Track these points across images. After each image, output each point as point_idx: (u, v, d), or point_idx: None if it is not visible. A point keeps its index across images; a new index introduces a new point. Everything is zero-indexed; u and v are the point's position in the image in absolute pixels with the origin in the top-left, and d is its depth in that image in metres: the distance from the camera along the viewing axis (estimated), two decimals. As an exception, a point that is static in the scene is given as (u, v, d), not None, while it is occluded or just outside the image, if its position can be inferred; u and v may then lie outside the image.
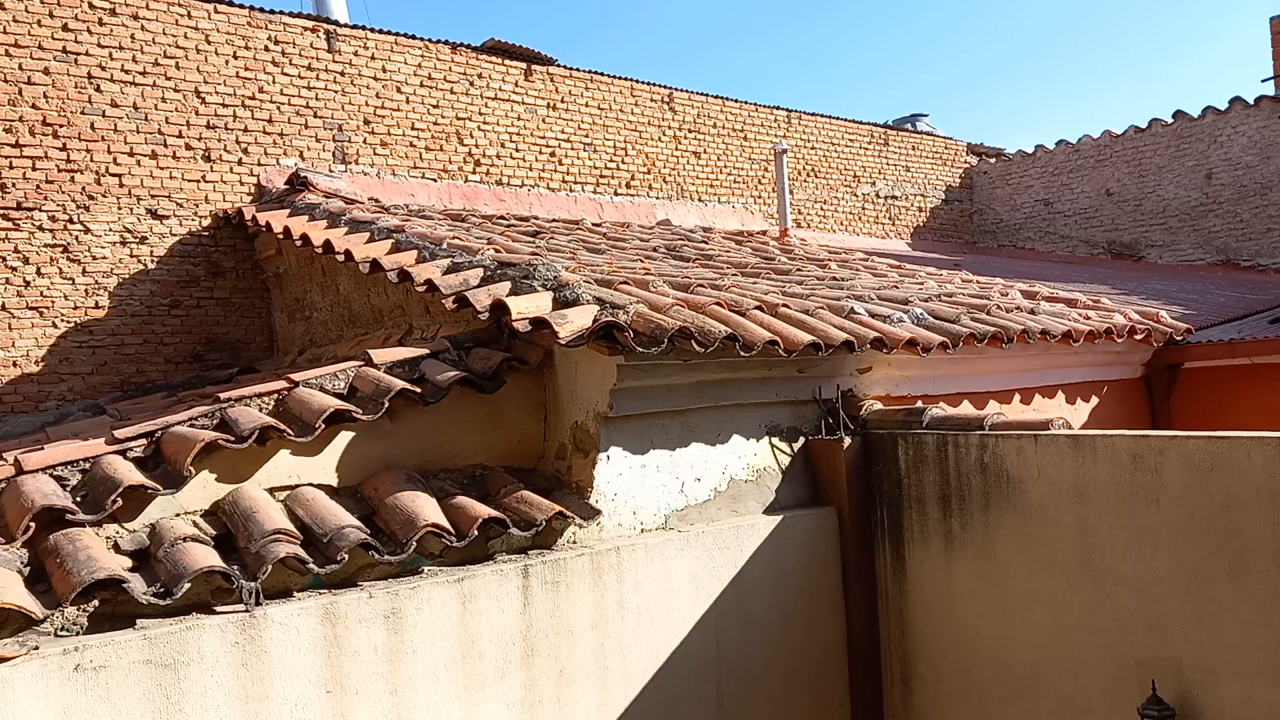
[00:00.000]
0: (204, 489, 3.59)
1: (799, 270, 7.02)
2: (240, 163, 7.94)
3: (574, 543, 4.00)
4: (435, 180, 9.01)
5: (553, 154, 9.89)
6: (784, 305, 5.06)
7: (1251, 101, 11.14)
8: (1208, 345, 6.56)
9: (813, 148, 12.48)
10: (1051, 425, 4.23)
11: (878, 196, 13.09)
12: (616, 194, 10.36)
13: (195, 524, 3.44)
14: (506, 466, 4.30)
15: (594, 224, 8.55)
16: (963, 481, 4.36)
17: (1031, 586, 4.08)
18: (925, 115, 15.92)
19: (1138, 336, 6.44)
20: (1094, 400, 6.42)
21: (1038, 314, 6.20)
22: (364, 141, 8.61)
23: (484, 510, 3.70)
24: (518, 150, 9.62)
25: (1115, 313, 6.63)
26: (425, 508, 3.63)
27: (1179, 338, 6.70)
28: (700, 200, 11.20)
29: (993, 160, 14.17)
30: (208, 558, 3.14)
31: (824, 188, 12.55)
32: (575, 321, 4.09)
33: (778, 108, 12.13)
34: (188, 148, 7.68)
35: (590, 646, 3.86)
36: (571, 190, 9.98)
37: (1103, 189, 12.42)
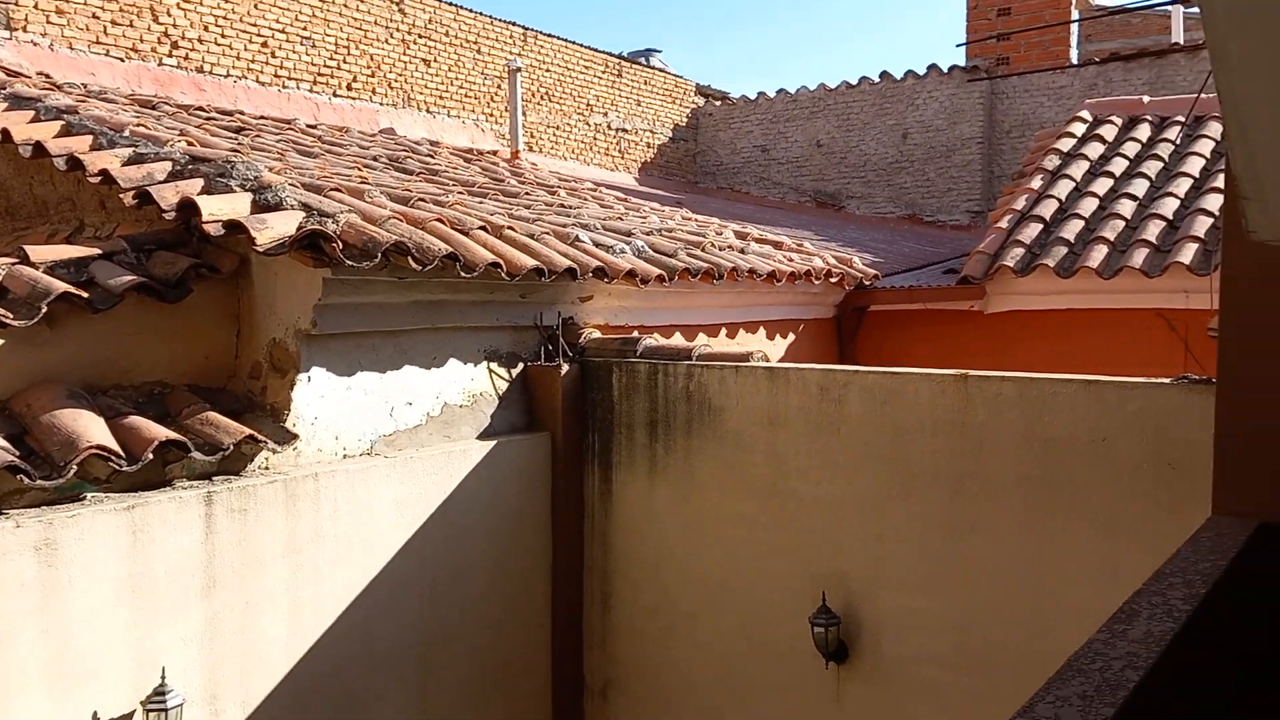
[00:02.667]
0: None
1: (528, 194, 6.91)
2: None
3: (267, 469, 3.72)
4: (123, 60, 7.94)
5: (265, 44, 9.03)
6: (509, 228, 4.94)
7: (945, 70, 12.26)
8: (891, 291, 7.22)
9: (548, 70, 12.30)
10: (751, 358, 4.46)
11: (609, 128, 13.18)
12: (336, 95, 9.67)
13: None
14: (191, 385, 3.91)
15: (308, 125, 7.93)
16: (670, 409, 4.51)
17: (726, 507, 4.32)
18: (659, 51, 16.18)
19: (833, 279, 6.95)
20: (791, 337, 6.88)
21: (748, 253, 6.51)
22: (34, 6, 7.40)
23: (161, 432, 3.34)
24: (224, 36, 8.68)
25: (815, 256, 7.11)
26: (90, 427, 3.22)
27: (868, 283, 7.31)
28: (429, 112, 10.72)
29: (718, 103, 14.68)
30: None
31: (557, 113, 12.44)
32: (276, 227, 3.76)
33: (514, 23, 11.80)
34: None
35: (281, 576, 3.63)
36: (285, 87, 9.19)
37: (814, 140, 13.26)
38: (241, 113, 7.80)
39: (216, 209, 3.86)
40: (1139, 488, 3.26)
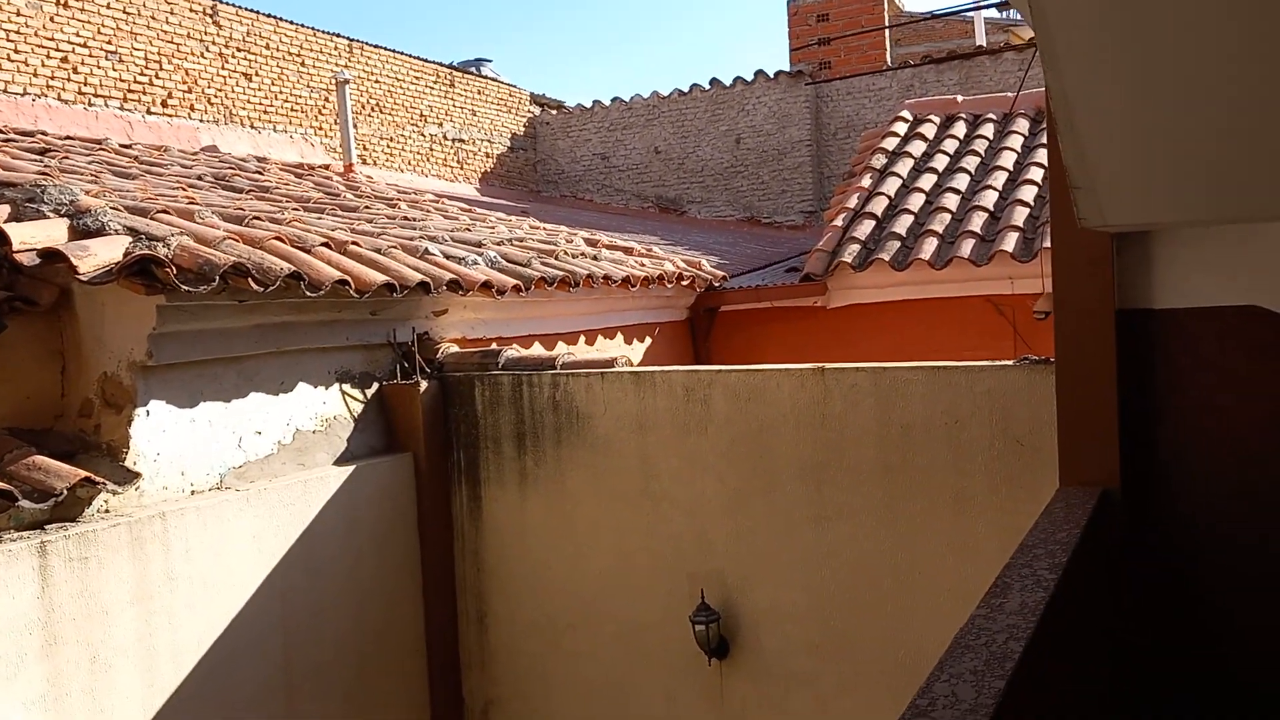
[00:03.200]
0: None
1: (367, 208, 6.69)
2: None
3: (108, 512, 3.44)
4: (-101, 77, 7.21)
5: (65, 59, 8.39)
6: (354, 243, 4.77)
7: (772, 75, 12.68)
8: (739, 291, 7.39)
9: (377, 82, 11.97)
10: (616, 363, 4.46)
11: (445, 138, 12.95)
12: (150, 113, 9.09)
13: None
14: (13, 429, 3.57)
15: (122, 145, 7.42)
16: (537, 419, 4.46)
17: (599, 515, 4.30)
18: (489, 61, 16.03)
19: (684, 282, 7.06)
20: (648, 340, 6.94)
21: (600, 260, 6.52)
22: None
23: (-18, 482, 3.03)
24: (17, 51, 8.01)
25: (665, 261, 7.20)
26: (-105, 484, 2.89)
27: (717, 284, 7.47)
28: (254, 127, 10.23)
29: (554, 112, 14.67)
30: None
31: (390, 124, 12.12)
32: (100, 254, 3.48)
33: (338, 35, 11.42)
34: None
35: (131, 625, 3.37)
36: (91, 104, 8.56)
37: (652, 146, 13.44)
38: (44, 133, 7.22)
39: (29, 236, 3.54)
40: (990, 466, 3.45)
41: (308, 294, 3.97)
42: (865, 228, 7.08)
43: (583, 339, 6.23)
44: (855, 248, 6.89)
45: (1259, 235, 2.79)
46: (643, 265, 6.75)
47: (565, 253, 6.29)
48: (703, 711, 4.06)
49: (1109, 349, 2.99)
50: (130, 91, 8.93)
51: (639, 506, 4.20)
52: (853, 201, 7.51)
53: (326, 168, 9.38)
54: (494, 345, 5.05)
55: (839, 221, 7.30)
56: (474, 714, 4.66)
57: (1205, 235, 2.88)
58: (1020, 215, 6.57)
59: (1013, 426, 3.40)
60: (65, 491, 3.19)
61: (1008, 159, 7.56)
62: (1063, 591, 2.15)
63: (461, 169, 13.21)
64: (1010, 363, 3.46)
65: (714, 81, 13.12)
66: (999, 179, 7.27)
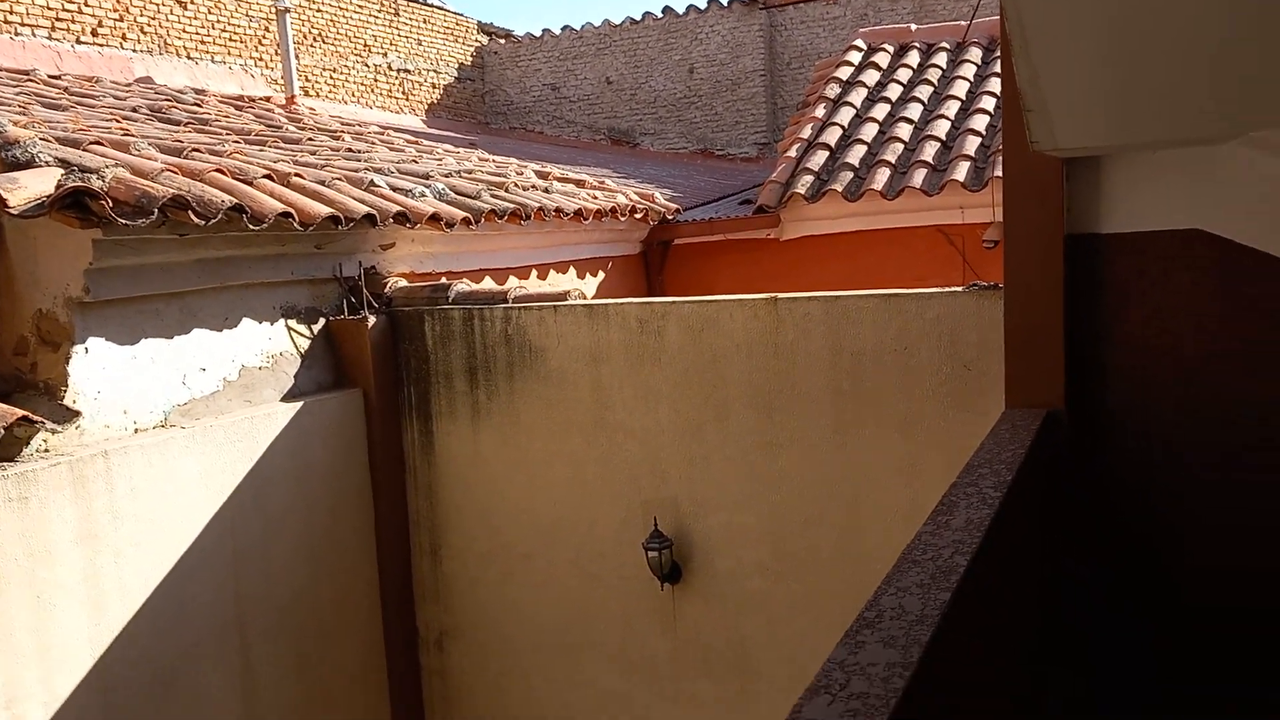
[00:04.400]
0: None
1: (311, 140, 6.50)
2: None
3: (47, 451, 3.36)
4: None
5: (-14, -17, 7.97)
6: (297, 175, 4.64)
7: (725, 3, 12.47)
8: (692, 224, 7.35)
9: (319, 10, 11.56)
10: (569, 296, 4.43)
11: (390, 69, 12.59)
12: (80, 42, 8.71)
13: None
14: (-56, 367, 3.46)
15: (51, 76, 7.10)
16: (489, 354, 4.42)
17: (553, 447, 4.31)
18: (436, -12, 15.53)
19: (637, 215, 6.99)
20: (601, 274, 6.89)
21: (551, 193, 6.43)
22: None
23: (-87, 422, 2.94)
24: (-67, -26, 7.60)
25: (618, 193, 7.12)
26: None
27: (670, 217, 7.41)
28: (190, 58, 9.86)
29: (503, 41, 14.32)
30: None
31: (333, 55, 11.75)
32: (31, 187, 3.35)
33: (277, -40, 10.96)
34: None
35: (77, 565, 3.32)
36: (18, 34, 8.17)
37: (603, 77, 13.20)
38: (-34, 60, 6.88)
39: (-48, 167, 3.39)
40: (938, 390, 3.50)
41: (250, 227, 3.87)
42: (819, 158, 7.05)
43: (535, 273, 6.16)
44: (809, 179, 6.86)
45: (1202, 161, 2.81)
46: (595, 198, 6.66)
47: (515, 185, 6.18)
48: (657, 634, 4.13)
49: (1057, 273, 3.01)
50: (59, 20, 8.53)
51: (593, 437, 4.21)
52: (806, 132, 7.46)
53: (267, 100, 9.08)
54: (444, 280, 4.97)
55: (792, 152, 7.25)
56: (428, 645, 4.70)
57: (1152, 161, 2.90)
58: (972, 144, 6.58)
59: (961, 351, 3.44)
60: (2, 431, 3.10)
61: (961, 88, 7.54)
62: (1007, 508, 2.19)
63: (407, 100, 12.88)
64: (959, 289, 3.49)
65: (667, 9, 12.87)
66: (951, 108, 7.26)
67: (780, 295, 3.82)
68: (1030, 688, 2.56)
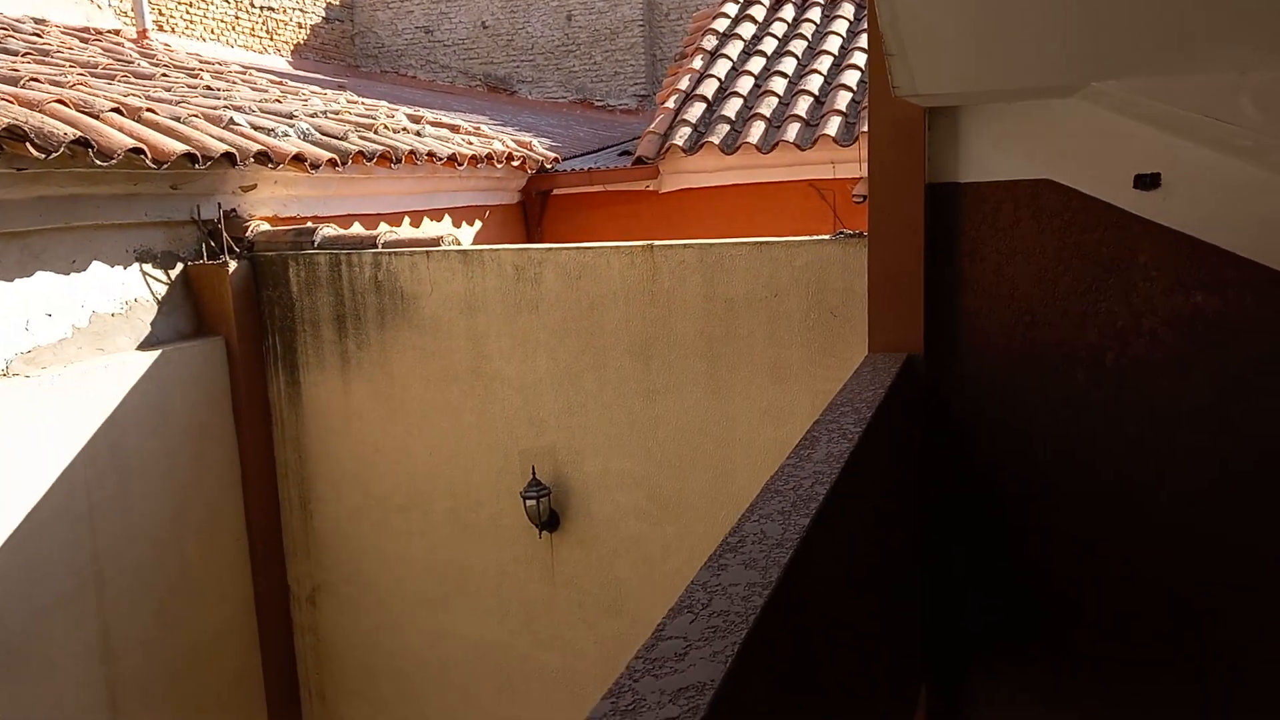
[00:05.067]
0: None
1: (165, 77, 6.13)
2: None
3: None
4: None
5: None
6: (149, 110, 4.37)
7: (602, -47, 12.29)
8: (572, 174, 7.29)
9: (173, -62, 10.85)
10: (443, 241, 4.34)
11: (253, 6, 11.95)
12: (-102, -40, 7.93)
13: None
14: None
15: None
16: (358, 301, 4.31)
17: (428, 397, 4.25)
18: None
19: (515, 163, 6.89)
20: (478, 224, 6.78)
21: (424, 136, 6.26)
22: None
23: None
24: None
25: (494, 140, 6.99)
26: None
27: (549, 166, 7.33)
28: (27, -16, 9.11)
29: (375, -19, 13.76)
30: None
31: (190, -12, 11.07)
32: None
33: (125, -119, 10.20)
34: None
35: (-90, 525, 3.11)
36: None
37: (479, 21, 12.87)
38: None
39: None
40: (806, 336, 3.60)
41: (98, 163, 3.64)
42: (696, 110, 7.08)
43: (407, 220, 6.01)
44: (686, 131, 6.89)
45: (1053, 113, 2.95)
46: (470, 144, 6.53)
47: (385, 128, 6.00)
48: (535, 581, 4.15)
49: (918, 221, 3.13)
50: None
51: (469, 387, 4.17)
52: (684, 84, 7.48)
53: (117, 33, 8.51)
54: (309, 224, 4.80)
55: (670, 104, 7.26)
56: (300, 601, 4.61)
57: (1007, 112, 3.02)
58: (844, 100, 6.72)
59: (827, 298, 3.54)
60: None
61: (833, 43, 7.68)
62: (866, 443, 2.29)
63: (271, 40, 12.27)
64: (826, 237, 3.58)
65: (544, -46, 12.61)
66: (824, 63, 7.39)
67: (657, 243, 3.84)
68: (883, 611, 2.70)
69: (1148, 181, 2.88)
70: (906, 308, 3.17)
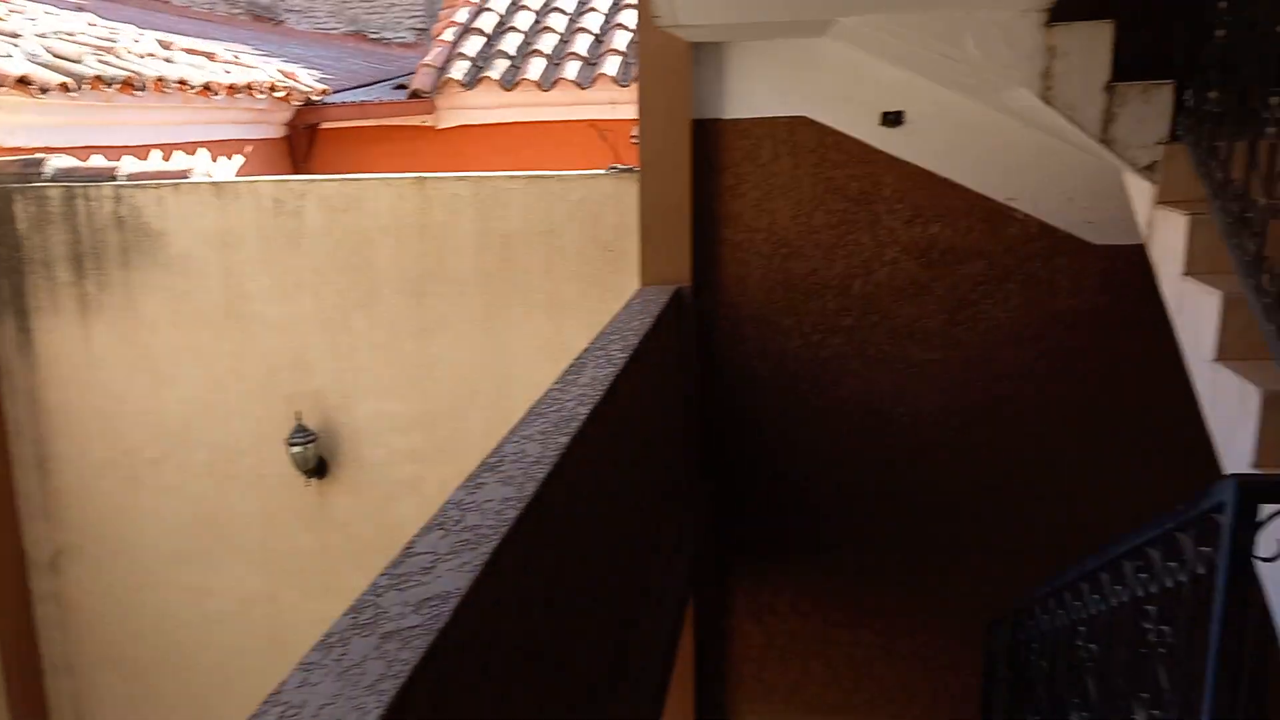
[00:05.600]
0: None
1: None
2: None
3: None
4: None
5: None
6: None
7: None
8: (342, 106, 6.92)
9: None
10: (191, 174, 4.02)
11: (-34, -91, 10.48)
12: None
13: None
14: None
15: None
16: (98, 239, 3.92)
17: (180, 342, 3.95)
18: None
19: (279, 94, 6.46)
20: (239, 159, 6.32)
21: (175, 63, 5.75)
22: None
23: None
24: None
25: (256, 69, 6.52)
26: None
27: (317, 98, 6.92)
28: None
29: (116, -109, 12.39)
30: None
31: (-118, -118, 9.55)
32: None
33: None
34: None
35: None
36: None
37: (240, -55, 11.87)
38: None
39: None
40: (581, 270, 3.61)
41: None
42: (475, 44, 6.88)
43: (157, 154, 5.52)
44: (465, 65, 6.69)
45: (810, 52, 3.08)
46: (228, 72, 6.06)
47: (130, 52, 5.46)
48: (302, 531, 3.99)
49: (685, 156, 3.19)
50: None
51: (226, 330, 3.90)
52: (462, 15, 7.25)
53: None
54: (37, 155, 4.31)
55: (448, 35, 7.02)
56: (41, 567, 4.21)
57: (768, 50, 3.12)
58: (623, 39, 6.73)
59: (601, 233, 3.56)
60: None
61: (614, -17, 7.65)
62: (631, 369, 2.33)
63: (-7, -49, 10.83)
64: (600, 171, 3.59)
65: (311, -126, 11.77)
66: (604, 2, 7.36)
67: (427, 175, 3.72)
68: (648, 523, 2.78)
69: (893, 119, 3.07)
70: (675, 242, 3.24)
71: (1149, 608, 1.57)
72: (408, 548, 1.33)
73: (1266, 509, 1.20)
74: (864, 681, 3.53)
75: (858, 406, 3.21)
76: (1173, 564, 1.47)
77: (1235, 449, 1.89)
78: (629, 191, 3.56)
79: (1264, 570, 1.73)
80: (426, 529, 1.38)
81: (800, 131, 3.10)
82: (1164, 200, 2.30)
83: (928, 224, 3.06)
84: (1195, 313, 2.08)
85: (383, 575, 1.26)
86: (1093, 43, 2.28)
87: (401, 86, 7.38)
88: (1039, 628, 2.25)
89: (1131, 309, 3.02)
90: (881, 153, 3.07)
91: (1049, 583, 2.14)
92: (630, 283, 3.41)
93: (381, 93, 7.36)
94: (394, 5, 11.80)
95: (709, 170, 3.21)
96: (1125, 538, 1.69)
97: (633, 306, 2.92)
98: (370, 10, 11.88)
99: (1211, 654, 1.20)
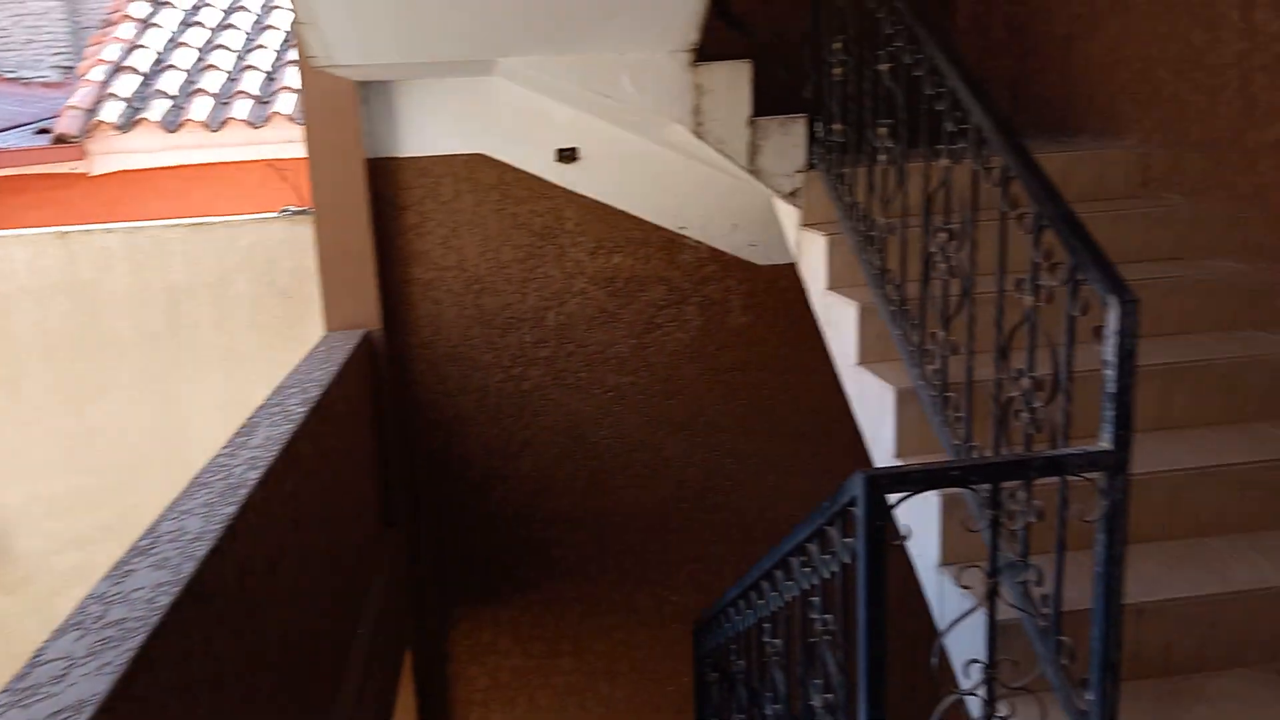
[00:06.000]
0: None
1: None
2: None
3: None
4: None
5: None
6: None
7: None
8: (-30, 154, 6.09)
9: None
10: None
11: None
12: None
13: None
14: None
15: None
16: None
17: None
18: None
19: (-117, 141, 5.57)
20: None
21: None
22: None
23: None
24: None
25: None
26: None
27: (-64, 145, 6.05)
28: None
29: None
30: None
31: None
32: None
33: None
34: None
35: None
36: None
37: None
38: None
39: None
40: (258, 320, 3.40)
41: None
42: (130, 84, 6.31)
43: None
44: (119, 106, 6.11)
45: (482, 91, 3.09)
46: None
47: None
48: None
49: (362, 196, 3.10)
50: None
51: None
52: (112, 53, 6.62)
53: None
54: None
55: (97, 75, 6.38)
56: None
57: (439, 89, 3.10)
58: (296, 77, 6.45)
59: (278, 279, 3.38)
60: None
61: (282, 18, 7.33)
62: (314, 422, 2.21)
63: None
64: (272, 214, 3.41)
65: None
66: (274, 38, 7.02)
67: (71, 229, 3.36)
68: (344, 582, 2.66)
69: (568, 155, 3.16)
70: (360, 284, 3.14)
71: (813, 599, 1.71)
72: (36, 655, 1.17)
73: (893, 497, 1.34)
74: (589, 703, 3.57)
75: (562, 434, 3.26)
76: (826, 556, 1.61)
77: (880, 442, 2.10)
78: (305, 234, 3.41)
79: (911, 547, 1.93)
80: (61, 631, 1.23)
81: (480, 169, 3.10)
82: (807, 223, 2.53)
83: (610, 254, 3.18)
84: (839, 323, 2.30)
85: (3, 692, 1.10)
86: (734, 80, 2.47)
87: (45, 130, 6.63)
88: (735, 628, 2.38)
89: (797, 322, 3.30)
90: (560, 188, 3.15)
91: (738, 584, 2.27)
92: (316, 330, 3.26)
93: (21, 138, 6.57)
94: (32, 41, 10.60)
95: (390, 209, 3.13)
96: (789, 536, 1.83)
97: (315, 355, 2.79)
98: (4, 47, 10.59)
99: (861, 635, 1.31)
